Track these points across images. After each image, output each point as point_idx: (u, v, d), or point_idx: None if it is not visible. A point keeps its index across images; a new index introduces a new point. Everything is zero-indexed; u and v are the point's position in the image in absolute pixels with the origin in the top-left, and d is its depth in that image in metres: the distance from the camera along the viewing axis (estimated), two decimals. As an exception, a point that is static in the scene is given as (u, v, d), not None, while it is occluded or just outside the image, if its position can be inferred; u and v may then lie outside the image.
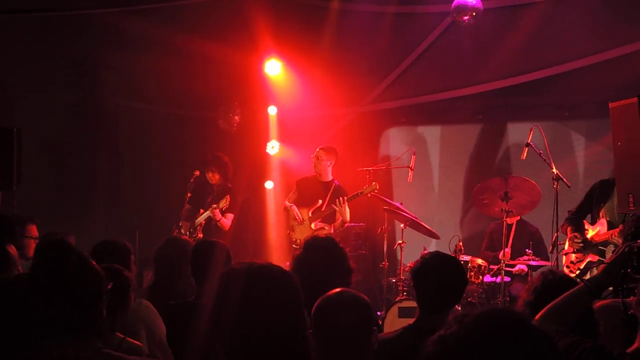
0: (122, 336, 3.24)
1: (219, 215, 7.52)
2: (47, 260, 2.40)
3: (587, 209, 6.01)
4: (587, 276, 5.44)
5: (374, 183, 7.25)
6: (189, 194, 7.94)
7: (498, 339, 1.43)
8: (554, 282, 2.92)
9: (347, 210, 7.28)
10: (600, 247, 5.81)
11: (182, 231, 7.77)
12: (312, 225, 7.43)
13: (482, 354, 1.41)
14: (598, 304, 3.01)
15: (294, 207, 7.62)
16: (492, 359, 1.42)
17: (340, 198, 7.22)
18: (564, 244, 6.19)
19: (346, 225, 7.44)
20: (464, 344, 1.43)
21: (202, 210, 7.72)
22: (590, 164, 8.14)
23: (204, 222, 7.70)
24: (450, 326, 1.47)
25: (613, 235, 5.67)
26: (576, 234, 5.95)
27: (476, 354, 1.42)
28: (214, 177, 7.91)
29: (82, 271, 2.38)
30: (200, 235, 7.55)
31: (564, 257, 6.10)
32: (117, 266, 3.48)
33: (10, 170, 7.16)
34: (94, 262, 2.45)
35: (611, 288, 2.79)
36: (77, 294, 2.34)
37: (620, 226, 5.57)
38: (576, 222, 6.01)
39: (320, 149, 7.63)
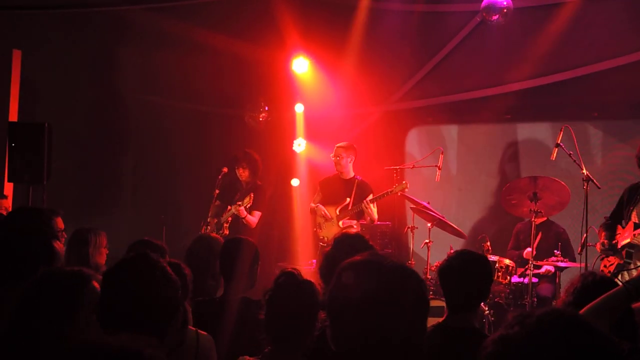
0: (194, 329, 3.29)
1: (244, 213, 7.51)
2: (129, 274, 2.37)
3: (619, 214, 5.95)
4: (619, 279, 5.39)
5: (404, 182, 7.21)
6: (217, 191, 7.93)
7: (564, 340, 1.42)
8: (595, 283, 2.90)
9: (374, 209, 7.28)
10: (629, 250, 5.75)
11: (210, 228, 7.78)
12: (340, 223, 7.43)
13: (548, 355, 1.40)
14: (634, 305, 2.98)
15: (320, 205, 7.62)
16: None
17: (365, 200, 7.20)
18: (594, 245, 6.15)
19: (375, 223, 7.43)
20: (528, 345, 1.42)
21: (229, 207, 7.74)
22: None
23: (230, 219, 7.71)
24: (511, 327, 1.46)
25: (635, 236, 5.62)
26: (604, 240, 5.91)
27: (542, 355, 1.40)
28: (243, 174, 7.88)
29: (163, 287, 2.36)
30: (227, 232, 7.55)
31: (600, 261, 6.05)
32: (178, 262, 3.52)
33: (41, 165, 7.23)
34: (172, 273, 2.44)
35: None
36: (155, 311, 2.33)
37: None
38: (610, 227, 5.96)
39: (338, 147, 7.61)
